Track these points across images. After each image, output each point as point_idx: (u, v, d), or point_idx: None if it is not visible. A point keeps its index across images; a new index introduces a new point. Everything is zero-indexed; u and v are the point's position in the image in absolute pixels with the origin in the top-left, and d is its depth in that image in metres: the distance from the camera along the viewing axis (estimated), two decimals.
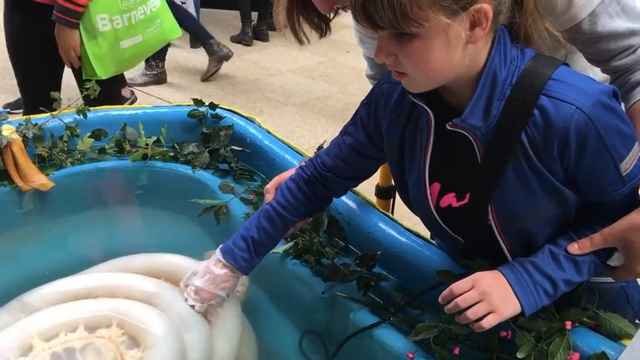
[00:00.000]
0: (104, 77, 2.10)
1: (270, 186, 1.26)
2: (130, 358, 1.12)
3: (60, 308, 1.18)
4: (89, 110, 1.64)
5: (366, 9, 0.82)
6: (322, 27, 1.14)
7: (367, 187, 1.45)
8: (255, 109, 4.12)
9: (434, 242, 1.24)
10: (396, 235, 1.27)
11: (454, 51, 0.85)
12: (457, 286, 0.95)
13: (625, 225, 0.92)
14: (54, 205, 1.52)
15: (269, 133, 1.63)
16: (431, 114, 0.96)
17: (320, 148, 1.47)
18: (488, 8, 0.82)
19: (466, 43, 0.85)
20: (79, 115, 1.63)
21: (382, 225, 1.30)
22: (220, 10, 6.02)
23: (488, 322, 0.92)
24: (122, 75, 2.53)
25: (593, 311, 1.02)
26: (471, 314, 0.93)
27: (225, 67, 4.69)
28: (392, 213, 1.61)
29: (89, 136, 1.63)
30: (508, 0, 0.87)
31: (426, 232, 1.24)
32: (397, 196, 1.64)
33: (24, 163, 1.48)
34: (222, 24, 5.86)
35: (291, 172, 1.25)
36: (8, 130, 1.47)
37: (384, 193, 1.75)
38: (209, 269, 1.20)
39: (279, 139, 1.60)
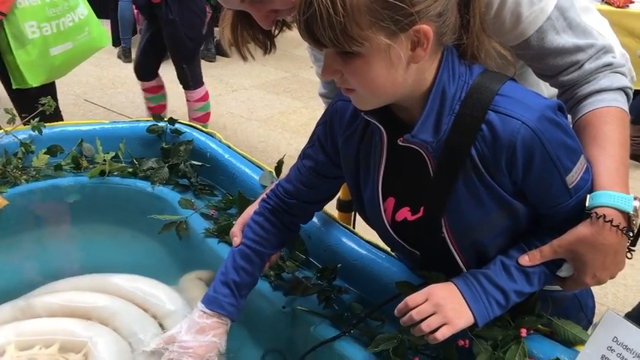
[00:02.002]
0: (35, 85, 2.07)
1: (236, 229, 1.23)
2: None
3: (45, 322, 1.20)
4: (44, 126, 1.61)
5: (309, 27, 0.83)
6: (267, 44, 1.16)
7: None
8: (218, 124, 4.11)
9: (393, 254, 1.25)
10: (356, 248, 1.28)
11: (396, 70, 0.86)
12: (411, 299, 0.96)
13: (572, 237, 0.94)
14: (8, 223, 1.48)
15: (229, 147, 1.63)
16: (383, 130, 0.97)
17: (280, 162, 1.47)
18: (429, 29, 0.84)
19: (408, 63, 0.87)
20: (34, 131, 1.60)
21: (342, 238, 1.31)
22: None
23: (442, 334, 0.93)
24: (54, 87, 2.47)
25: (547, 318, 1.04)
26: (425, 326, 0.94)
27: None
28: (353, 226, 1.62)
29: (44, 153, 1.60)
30: (452, 22, 0.89)
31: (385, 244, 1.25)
32: None
33: None
34: None
35: (252, 209, 1.23)
36: None
37: (345, 206, 1.76)
38: (194, 322, 1.13)
39: (239, 154, 1.60)
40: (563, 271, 1.00)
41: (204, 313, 1.14)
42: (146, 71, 3.51)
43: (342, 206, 1.78)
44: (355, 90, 0.90)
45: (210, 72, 5.10)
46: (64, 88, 4.49)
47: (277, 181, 1.21)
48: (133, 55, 5.21)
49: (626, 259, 0.98)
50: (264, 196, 1.22)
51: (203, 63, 5.34)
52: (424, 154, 0.95)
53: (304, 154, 1.16)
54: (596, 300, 2.62)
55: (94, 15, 2.31)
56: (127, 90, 4.61)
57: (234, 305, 1.15)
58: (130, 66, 5.09)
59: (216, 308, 1.14)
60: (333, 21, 0.80)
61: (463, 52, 0.94)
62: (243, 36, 1.14)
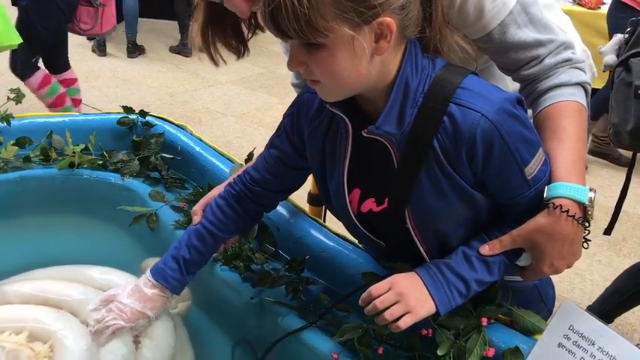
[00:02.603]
0: None
1: (198, 207, 1.25)
2: None
3: (18, 309, 1.20)
4: (13, 117, 1.59)
5: (274, 18, 0.84)
6: (240, 49, 1.17)
7: (300, 194, 1.46)
8: (194, 119, 4.09)
9: (360, 246, 1.27)
10: (324, 240, 1.29)
11: (360, 61, 0.88)
12: (375, 288, 0.98)
13: (531, 227, 0.97)
14: None
15: (200, 140, 1.63)
16: (348, 122, 0.98)
17: (251, 155, 1.48)
18: (392, 22, 0.86)
19: (372, 55, 0.88)
20: (2, 123, 1.58)
21: (311, 230, 1.32)
22: (159, 20, 5.98)
23: (405, 323, 0.95)
24: None
25: (508, 308, 1.07)
26: (388, 315, 0.95)
27: (164, 77, 4.65)
28: (324, 219, 1.63)
29: (13, 144, 1.59)
30: (415, 15, 0.91)
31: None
32: None
33: None
34: (161, 34, 5.80)
35: (217, 190, 1.25)
36: None
37: (316, 200, 1.78)
38: (138, 288, 1.18)
39: (210, 147, 1.60)
40: (522, 261, 1.02)
41: (149, 281, 1.18)
42: (56, 63, 3.34)
43: (312, 200, 1.79)
44: (320, 81, 0.92)
45: (187, 67, 5.08)
46: None
47: (245, 168, 1.22)
48: (108, 49, 5.18)
49: (583, 249, 1.01)
50: (230, 180, 1.23)
51: (179, 58, 5.34)
52: (388, 146, 0.96)
53: (271, 144, 1.17)
54: (563, 294, 2.67)
55: (3, 13, 2.23)
56: (102, 84, 4.56)
57: (179, 280, 1.18)
58: (105, 60, 5.06)
59: (161, 280, 1.17)
60: (298, 12, 0.82)
61: (426, 46, 0.96)
62: (215, 42, 1.15)
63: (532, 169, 0.96)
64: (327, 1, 0.82)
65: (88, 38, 5.35)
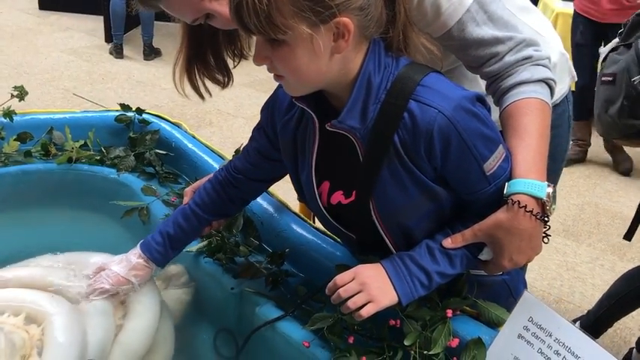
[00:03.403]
0: None
1: (189, 189, 1.34)
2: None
3: (19, 292, 1.26)
4: (16, 114, 1.66)
5: (239, 13, 0.89)
6: (224, 81, 1.22)
7: (291, 188, 1.52)
8: (204, 120, 4.17)
9: (338, 240, 1.30)
10: (304, 233, 1.34)
11: (320, 59, 0.92)
12: (340, 277, 1.02)
13: (491, 222, 0.99)
14: None
15: (194, 137, 1.68)
16: (314, 116, 1.02)
17: (237, 151, 1.53)
18: (349, 22, 0.89)
19: (332, 53, 0.92)
20: (5, 118, 1.65)
21: (292, 224, 1.36)
22: (175, 23, 6.06)
23: (367, 312, 0.99)
24: None
25: (473, 300, 1.09)
26: (351, 304, 0.99)
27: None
28: (313, 216, 1.67)
29: (15, 139, 1.65)
30: (376, 15, 0.94)
31: None
32: None
33: None
34: (172, 36, 5.89)
35: (209, 177, 1.32)
36: None
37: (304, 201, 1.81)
38: (127, 257, 1.27)
39: (202, 143, 1.65)
40: (484, 255, 1.05)
41: (137, 253, 1.26)
42: None
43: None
44: (284, 77, 0.96)
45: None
46: (54, 82, 4.56)
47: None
48: (125, 52, 5.29)
49: (544, 244, 1.03)
50: (220, 167, 1.30)
51: None
52: (354, 140, 1.00)
53: (252, 136, 1.23)
54: (563, 298, 2.67)
55: None
56: (117, 85, 4.66)
57: (162, 254, 1.25)
58: (121, 62, 5.17)
59: (146, 252, 1.26)
60: (258, 9, 0.86)
61: (389, 45, 1.00)
62: (201, 78, 1.22)
63: (491, 165, 0.98)
64: None
65: (105, 41, 5.49)
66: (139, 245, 1.27)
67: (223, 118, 4.23)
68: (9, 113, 1.65)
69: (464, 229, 1.03)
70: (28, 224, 1.59)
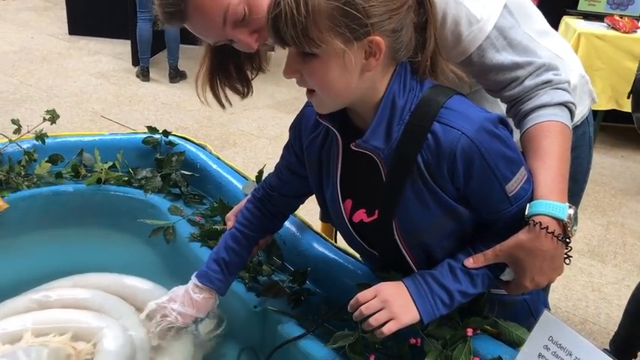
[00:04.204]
0: None
1: (230, 214, 1.38)
2: None
3: (62, 312, 1.30)
4: (47, 136, 1.72)
5: (275, 24, 0.93)
6: (244, 91, 1.26)
7: (313, 208, 1.55)
8: (228, 141, 4.23)
9: (360, 258, 1.32)
10: (326, 252, 1.36)
11: (350, 75, 0.95)
12: (362, 295, 1.04)
13: (512, 243, 1.01)
14: (9, 225, 1.58)
15: (218, 158, 1.72)
16: (338, 134, 1.05)
17: (261, 171, 1.57)
18: (381, 41, 0.93)
19: (362, 70, 0.95)
20: (37, 141, 1.71)
21: (313, 243, 1.39)
22: (200, 46, 6.18)
23: (389, 329, 1.00)
24: None
25: (494, 320, 1.10)
26: (373, 321, 1.01)
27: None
28: (335, 236, 1.69)
29: (46, 161, 1.71)
30: (407, 40, 0.98)
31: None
32: None
33: None
34: (196, 59, 6.00)
35: (245, 201, 1.36)
36: None
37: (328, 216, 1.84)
38: (187, 295, 1.28)
39: (226, 164, 1.69)
40: (506, 275, 1.06)
41: (197, 286, 1.27)
42: None
43: (324, 217, 1.85)
44: (314, 91, 0.99)
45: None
46: (83, 104, 4.68)
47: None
48: (151, 75, 5.41)
49: (565, 264, 1.04)
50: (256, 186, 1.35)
51: None
52: (377, 160, 1.03)
53: (282, 153, 1.27)
54: (589, 319, 2.63)
55: None
56: (143, 107, 4.76)
57: (222, 281, 1.27)
58: (148, 84, 5.28)
59: (206, 282, 1.27)
60: (296, 20, 0.90)
61: (416, 69, 1.03)
62: (222, 87, 1.26)
63: (513, 186, 1.00)
64: (324, 13, 0.90)
65: (132, 64, 5.61)
66: (195, 278, 1.28)
67: (247, 139, 4.29)
68: (41, 136, 1.71)
69: (485, 249, 1.04)
70: (59, 243, 1.64)
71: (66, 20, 6.62)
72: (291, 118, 1.24)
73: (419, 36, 0.99)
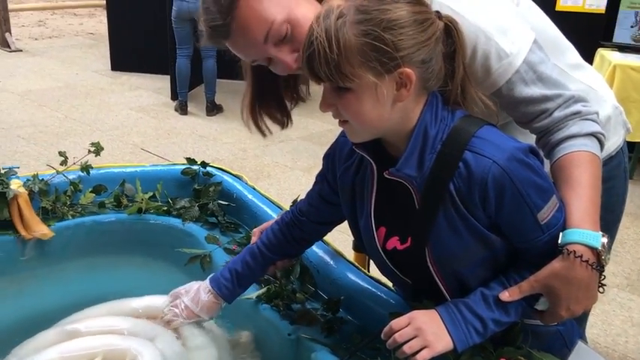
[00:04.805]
0: None
1: (257, 230, 1.44)
2: None
3: (87, 340, 1.35)
4: (92, 168, 1.80)
5: (310, 62, 0.97)
6: (284, 121, 1.31)
7: (346, 239, 1.57)
8: (263, 172, 4.30)
9: (392, 288, 1.34)
10: (359, 281, 1.37)
11: (382, 107, 0.99)
12: (395, 322, 1.05)
13: (547, 272, 1.01)
14: (54, 252, 1.65)
15: (254, 189, 1.77)
16: (372, 163, 1.08)
17: (294, 202, 1.60)
18: (412, 73, 0.96)
19: (394, 101, 0.99)
20: (82, 172, 1.79)
21: (347, 272, 1.41)
22: (237, 81, 6.34)
23: (422, 357, 1.01)
24: None
25: (527, 350, 1.10)
26: (407, 348, 1.02)
27: (239, 134, 4.92)
28: (368, 265, 1.71)
29: (91, 191, 1.78)
30: (437, 70, 1.01)
31: (387, 280, 1.34)
32: None
33: (28, 215, 1.63)
34: (238, 94, 6.12)
35: (276, 219, 1.40)
36: (16, 184, 1.63)
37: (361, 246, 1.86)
38: (198, 292, 1.36)
39: (261, 194, 1.73)
40: (540, 305, 1.06)
41: (207, 287, 1.35)
42: None
43: (357, 247, 1.87)
44: (348, 122, 1.03)
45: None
46: (124, 137, 4.83)
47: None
48: (189, 108, 5.56)
49: (600, 294, 1.04)
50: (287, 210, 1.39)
51: None
52: (410, 188, 1.05)
53: (315, 181, 1.31)
54: (629, 355, 2.57)
55: None
56: (181, 140, 4.88)
57: (230, 290, 1.34)
58: (186, 118, 5.43)
59: (215, 287, 1.35)
60: (329, 58, 0.95)
61: (447, 99, 1.06)
62: (262, 115, 1.31)
63: (545, 214, 1.01)
64: (355, 50, 0.94)
65: (171, 98, 5.79)
66: (208, 280, 1.35)
67: (280, 170, 4.35)
68: (86, 167, 1.79)
69: (518, 278, 1.04)
70: (101, 269, 1.70)
71: (109, 57, 6.90)
72: (323, 150, 1.28)
73: (448, 65, 1.03)
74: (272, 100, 1.33)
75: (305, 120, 5.34)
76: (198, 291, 1.36)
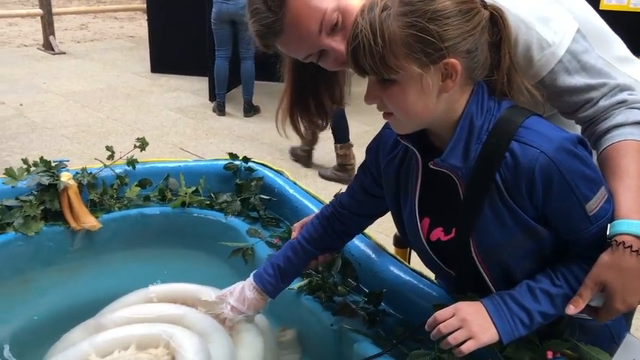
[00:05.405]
0: None
1: (298, 224, 1.45)
2: None
3: (117, 330, 1.37)
4: (138, 162, 1.84)
5: (355, 56, 0.98)
6: (321, 125, 1.34)
7: (385, 239, 1.58)
8: (300, 173, 4.32)
9: (435, 281, 1.34)
10: (401, 275, 1.37)
11: (428, 97, 0.99)
12: (440, 313, 1.05)
13: (598, 268, 1.00)
14: (101, 243, 1.70)
15: (295, 184, 1.79)
16: (417, 154, 1.09)
17: (336, 195, 1.61)
18: (457, 63, 0.96)
19: (439, 92, 0.99)
20: (128, 167, 1.83)
21: (389, 266, 1.41)
22: (274, 82, 6.40)
23: (467, 347, 1.01)
24: None
25: (574, 343, 1.08)
26: (452, 339, 1.02)
27: (276, 135, 4.96)
28: (409, 260, 1.71)
29: (136, 185, 1.82)
30: (482, 59, 1.01)
31: (429, 273, 1.34)
32: None
33: (77, 206, 1.68)
34: (275, 95, 6.17)
35: (316, 213, 1.41)
36: (66, 177, 1.68)
37: (401, 242, 1.85)
38: (242, 291, 1.38)
39: (303, 189, 1.75)
40: (595, 301, 1.04)
41: (251, 284, 1.36)
42: None
43: (398, 241, 1.87)
44: (393, 114, 1.03)
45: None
46: (163, 137, 4.92)
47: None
48: (227, 109, 5.63)
49: None
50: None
51: None
52: (455, 178, 1.05)
53: (356, 174, 1.31)
54: None
55: None
56: (219, 140, 4.95)
57: (274, 285, 1.35)
58: (223, 119, 5.50)
59: (259, 283, 1.36)
60: (374, 51, 0.95)
61: (493, 88, 1.05)
62: (303, 122, 1.33)
63: (594, 205, 1.00)
64: (399, 41, 0.95)
65: (209, 99, 5.87)
66: (251, 277, 1.37)
67: (318, 170, 4.37)
68: (132, 162, 1.83)
69: (566, 271, 1.04)
70: (146, 261, 1.74)
71: (149, 59, 7.03)
72: (361, 151, 1.28)
73: (494, 54, 1.02)
74: (312, 104, 1.33)
75: None
76: (242, 290, 1.37)
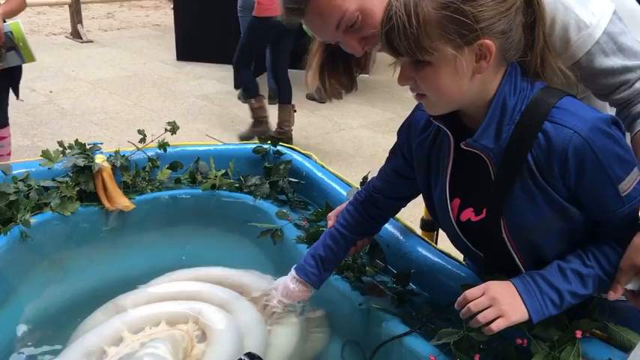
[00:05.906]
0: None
1: (332, 214, 1.46)
2: (197, 349, 1.33)
3: (146, 308, 1.42)
4: (169, 145, 1.88)
5: (389, 37, 0.99)
6: (349, 85, 1.35)
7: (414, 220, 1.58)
8: (324, 160, 4.27)
9: (462, 262, 1.35)
10: (429, 255, 1.39)
11: (461, 79, 0.99)
12: (470, 292, 1.06)
13: (630, 251, 1.00)
14: (134, 224, 1.74)
15: (323, 167, 1.81)
16: (449, 134, 1.09)
17: (364, 178, 1.63)
18: (491, 44, 0.97)
19: (473, 73, 0.99)
20: (160, 150, 1.87)
21: (417, 247, 1.43)
22: (298, 70, 6.40)
23: (497, 326, 1.02)
24: None
25: (603, 323, 1.09)
26: (481, 318, 1.03)
27: (300, 122, 4.98)
28: (436, 243, 1.72)
29: (167, 168, 1.86)
30: (516, 40, 1.01)
31: (457, 254, 1.35)
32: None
33: (111, 188, 1.72)
34: (299, 83, 6.15)
35: (349, 201, 1.43)
36: (100, 159, 1.72)
37: (428, 225, 1.87)
38: (286, 285, 1.39)
39: (331, 172, 1.77)
40: (631, 284, 1.04)
41: (294, 277, 1.37)
42: None
43: (425, 225, 1.88)
44: (426, 95, 1.04)
45: (321, 112, 5.39)
46: (189, 124, 4.97)
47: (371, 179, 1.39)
48: None
49: None
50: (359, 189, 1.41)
51: (314, 104, 5.68)
52: (486, 159, 1.06)
53: (388, 157, 1.33)
54: None
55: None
56: (244, 128, 4.98)
57: (317, 276, 1.36)
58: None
59: (302, 275, 1.36)
60: (408, 32, 0.96)
61: (527, 69, 1.05)
62: (331, 81, 1.34)
63: (626, 186, 1.00)
64: (433, 23, 0.95)
65: (234, 87, 5.90)
66: (294, 270, 1.38)
67: (342, 158, 4.38)
68: (163, 145, 1.87)
69: (597, 252, 1.04)
70: (177, 241, 1.78)
71: (174, 47, 7.09)
72: (384, 139, 1.30)
73: (528, 35, 1.02)
74: (340, 65, 1.34)
75: (366, 108, 5.35)
76: (285, 284, 1.38)
